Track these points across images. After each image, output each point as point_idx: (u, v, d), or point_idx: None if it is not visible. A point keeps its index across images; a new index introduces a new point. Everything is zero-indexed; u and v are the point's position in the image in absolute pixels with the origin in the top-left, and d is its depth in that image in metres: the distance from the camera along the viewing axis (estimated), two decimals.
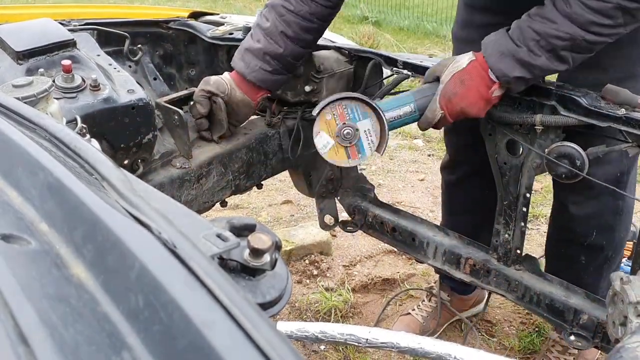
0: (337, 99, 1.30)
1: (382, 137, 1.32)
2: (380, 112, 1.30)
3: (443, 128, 1.54)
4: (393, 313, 2.11)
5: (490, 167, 1.59)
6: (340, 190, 1.85)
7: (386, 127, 1.31)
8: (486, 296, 1.99)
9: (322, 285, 2.20)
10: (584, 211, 1.49)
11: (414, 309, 2.03)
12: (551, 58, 1.17)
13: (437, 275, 2.05)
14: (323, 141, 1.32)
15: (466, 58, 1.27)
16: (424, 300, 2.04)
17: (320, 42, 1.57)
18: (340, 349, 1.90)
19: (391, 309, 2.12)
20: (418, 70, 1.46)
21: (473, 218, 1.78)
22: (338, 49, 1.62)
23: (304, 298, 2.13)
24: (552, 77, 1.41)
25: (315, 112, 1.30)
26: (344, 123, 1.31)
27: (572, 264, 1.62)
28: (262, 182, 1.69)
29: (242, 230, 0.53)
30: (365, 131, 1.32)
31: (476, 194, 1.75)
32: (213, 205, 1.57)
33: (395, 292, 2.21)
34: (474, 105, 1.26)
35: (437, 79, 1.32)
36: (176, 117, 1.41)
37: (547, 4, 1.17)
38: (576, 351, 1.80)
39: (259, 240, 0.50)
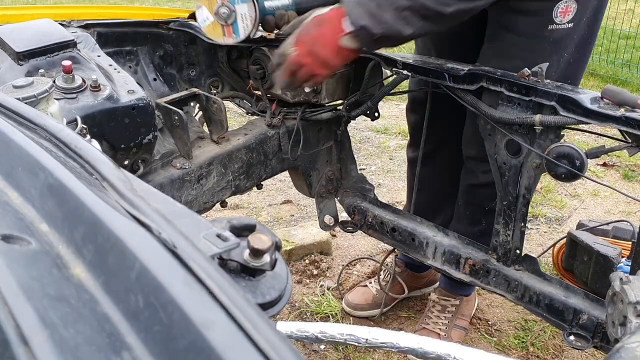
0: None
1: (255, 23, 1.42)
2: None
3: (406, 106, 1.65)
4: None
5: (445, 146, 1.80)
6: (340, 191, 1.85)
7: (258, 15, 1.41)
8: (439, 277, 2.11)
9: (322, 286, 2.20)
10: (491, 179, 1.53)
11: (370, 282, 2.12)
12: (395, 16, 1.29)
13: None
14: (203, 15, 1.41)
15: (330, 7, 1.37)
16: (380, 275, 2.11)
17: None
18: (340, 348, 1.90)
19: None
20: (417, 70, 1.46)
21: (431, 196, 1.90)
22: None
23: (304, 298, 2.13)
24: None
25: None
26: (223, 3, 1.39)
27: (474, 226, 1.74)
28: (262, 182, 1.69)
29: (242, 231, 0.54)
30: (241, 14, 1.41)
31: (433, 172, 1.87)
32: (213, 206, 1.58)
33: (351, 259, 2.35)
34: (323, 47, 1.35)
35: None
36: (176, 117, 1.41)
37: None
38: (454, 308, 1.94)
39: (259, 240, 0.51)
